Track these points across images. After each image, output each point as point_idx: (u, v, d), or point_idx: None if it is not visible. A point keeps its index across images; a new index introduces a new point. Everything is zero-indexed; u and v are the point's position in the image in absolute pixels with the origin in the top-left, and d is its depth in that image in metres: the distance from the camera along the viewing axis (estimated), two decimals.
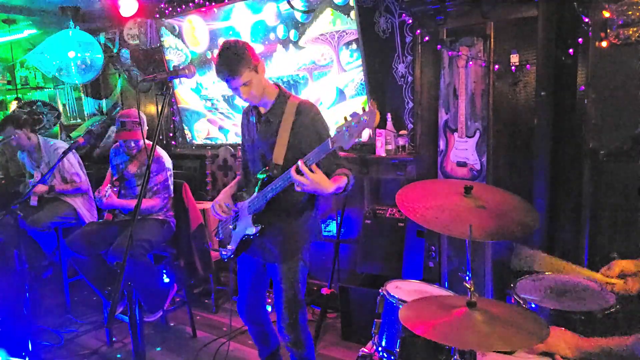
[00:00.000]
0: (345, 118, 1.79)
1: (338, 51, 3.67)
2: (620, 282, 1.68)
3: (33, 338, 3.08)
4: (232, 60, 2.02)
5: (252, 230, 2.20)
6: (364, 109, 1.75)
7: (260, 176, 2.18)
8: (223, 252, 2.39)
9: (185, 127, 5.05)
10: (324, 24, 3.68)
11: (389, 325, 1.97)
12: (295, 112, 2.14)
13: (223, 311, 3.87)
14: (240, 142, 2.50)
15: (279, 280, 2.25)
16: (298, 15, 3.77)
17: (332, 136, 1.84)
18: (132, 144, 3.24)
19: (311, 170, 1.89)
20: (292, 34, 3.85)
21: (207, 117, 4.85)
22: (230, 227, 2.35)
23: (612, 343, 1.55)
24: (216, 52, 2.12)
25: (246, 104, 2.34)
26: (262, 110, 2.24)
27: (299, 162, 1.90)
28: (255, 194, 2.19)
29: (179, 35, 4.67)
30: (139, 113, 2.77)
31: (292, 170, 1.92)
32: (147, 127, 3.40)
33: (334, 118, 3.79)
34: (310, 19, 3.73)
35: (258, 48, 4.08)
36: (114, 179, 3.32)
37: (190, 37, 4.59)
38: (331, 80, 3.79)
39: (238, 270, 2.48)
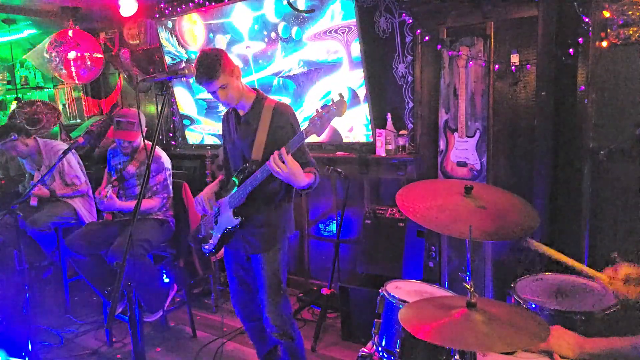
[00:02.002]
0: (317, 110, 1.97)
1: (349, 46, 3.53)
2: (622, 285, 1.68)
3: (33, 338, 3.08)
4: (209, 64, 2.15)
5: (232, 222, 2.31)
6: (332, 100, 1.94)
7: (240, 172, 2.30)
8: (205, 247, 2.48)
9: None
10: (332, 18, 3.54)
11: (389, 326, 1.96)
12: (272, 114, 2.28)
13: (223, 311, 3.86)
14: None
15: (261, 270, 2.36)
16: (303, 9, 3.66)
17: (306, 126, 2.00)
18: (126, 144, 3.24)
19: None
20: (295, 31, 3.77)
21: (202, 123, 4.85)
22: (212, 223, 2.45)
23: (614, 344, 1.55)
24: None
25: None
26: (241, 112, 2.37)
27: (282, 149, 2.04)
28: (235, 189, 2.30)
29: (175, 35, 4.65)
30: (138, 114, 2.77)
31: (273, 156, 2.04)
32: (146, 128, 3.40)
33: (346, 123, 3.69)
34: (315, 14, 3.61)
35: (259, 46, 4.06)
36: (113, 179, 3.31)
37: (188, 36, 4.58)
38: (341, 79, 3.65)
39: (226, 269, 2.57)
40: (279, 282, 2.37)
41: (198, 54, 2.22)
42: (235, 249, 2.45)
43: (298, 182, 2.11)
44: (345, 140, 3.79)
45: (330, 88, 3.75)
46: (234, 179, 2.33)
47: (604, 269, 1.76)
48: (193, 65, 2.17)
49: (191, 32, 4.53)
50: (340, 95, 1.94)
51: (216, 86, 2.19)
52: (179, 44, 4.65)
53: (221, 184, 2.53)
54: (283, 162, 2.02)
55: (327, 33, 3.62)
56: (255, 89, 2.40)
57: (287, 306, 2.43)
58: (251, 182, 2.22)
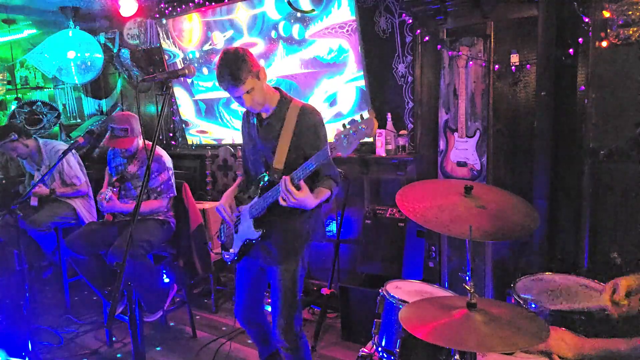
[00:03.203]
0: (344, 125, 1.79)
1: (357, 44, 3.48)
2: (626, 303, 1.64)
3: (33, 338, 3.08)
4: (234, 68, 1.98)
5: (254, 235, 2.20)
6: (362, 117, 1.75)
7: (261, 181, 2.18)
8: (226, 256, 2.38)
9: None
10: (340, 14, 3.48)
11: (389, 326, 1.97)
12: (297, 116, 2.13)
13: (223, 311, 3.86)
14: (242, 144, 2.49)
15: (277, 282, 2.25)
16: (305, 8, 3.62)
17: (330, 143, 1.84)
18: (123, 150, 3.23)
19: (299, 187, 1.95)
20: (297, 29, 3.73)
21: (200, 127, 4.84)
22: (232, 230, 2.35)
23: (613, 345, 1.55)
24: (216, 58, 2.11)
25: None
26: (264, 114, 2.22)
27: (286, 180, 1.93)
28: (255, 198, 2.19)
29: (170, 34, 4.63)
30: (139, 116, 2.74)
31: (281, 184, 1.95)
32: (142, 129, 3.36)
33: None
34: (318, 11, 3.56)
35: (259, 45, 4.05)
36: (114, 179, 3.30)
37: (184, 34, 4.56)
38: (347, 79, 3.58)
39: (237, 272, 2.47)
40: (294, 295, 2.24)
41: (220, 54, 2.04)
42: (253, 257, 2.33)
43: (306, 207, 2.02)
44: None
45: (336, 89, 3.70)
46: (253, 186, 2.22)
47: (604, 288, 1.72)
48: (192, 65, 2.12)
49: (187, 31, 4.51)
50: (371, 112, 1.74)
51: (242, 91, 2.02)
52: (174, 42, 4.64)
53: (240, 187, 2.41)
54: (289, 192, 1.91)
55: (332, 30, 3.56)
56: (277, 89, 2.22)
57: (299, 320, 2.29)
58: (272, 194, 2.09)
